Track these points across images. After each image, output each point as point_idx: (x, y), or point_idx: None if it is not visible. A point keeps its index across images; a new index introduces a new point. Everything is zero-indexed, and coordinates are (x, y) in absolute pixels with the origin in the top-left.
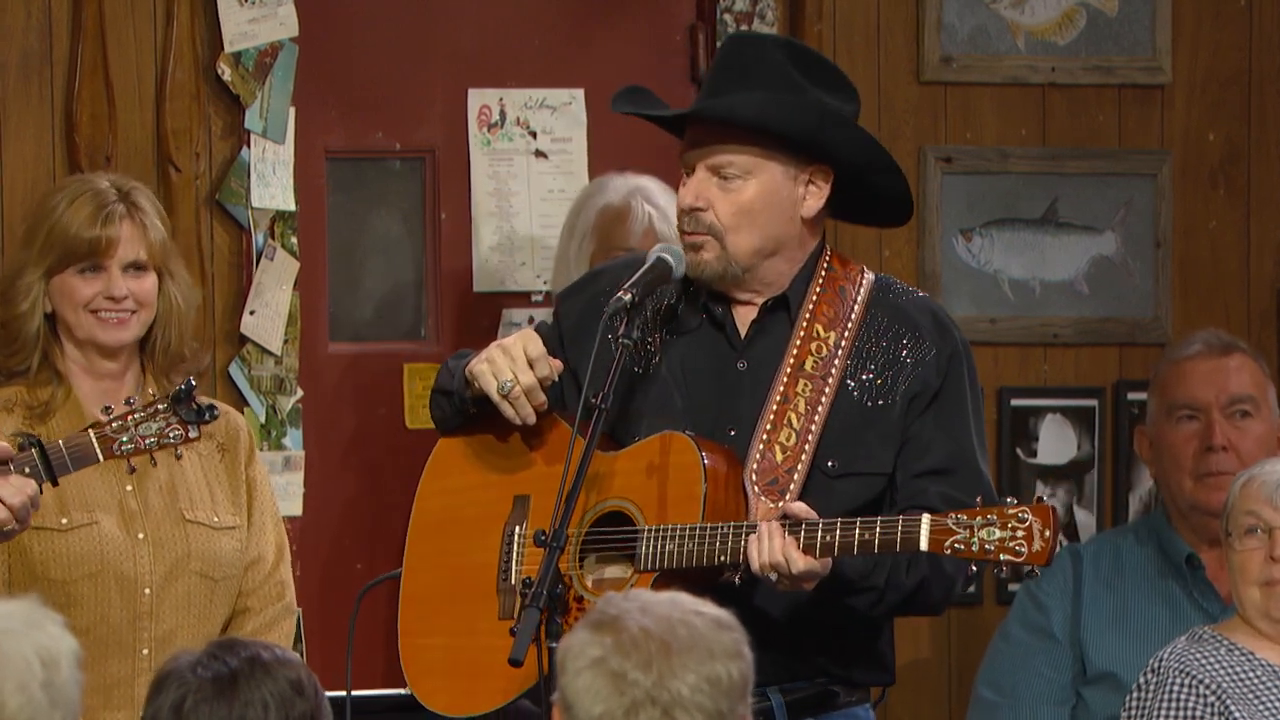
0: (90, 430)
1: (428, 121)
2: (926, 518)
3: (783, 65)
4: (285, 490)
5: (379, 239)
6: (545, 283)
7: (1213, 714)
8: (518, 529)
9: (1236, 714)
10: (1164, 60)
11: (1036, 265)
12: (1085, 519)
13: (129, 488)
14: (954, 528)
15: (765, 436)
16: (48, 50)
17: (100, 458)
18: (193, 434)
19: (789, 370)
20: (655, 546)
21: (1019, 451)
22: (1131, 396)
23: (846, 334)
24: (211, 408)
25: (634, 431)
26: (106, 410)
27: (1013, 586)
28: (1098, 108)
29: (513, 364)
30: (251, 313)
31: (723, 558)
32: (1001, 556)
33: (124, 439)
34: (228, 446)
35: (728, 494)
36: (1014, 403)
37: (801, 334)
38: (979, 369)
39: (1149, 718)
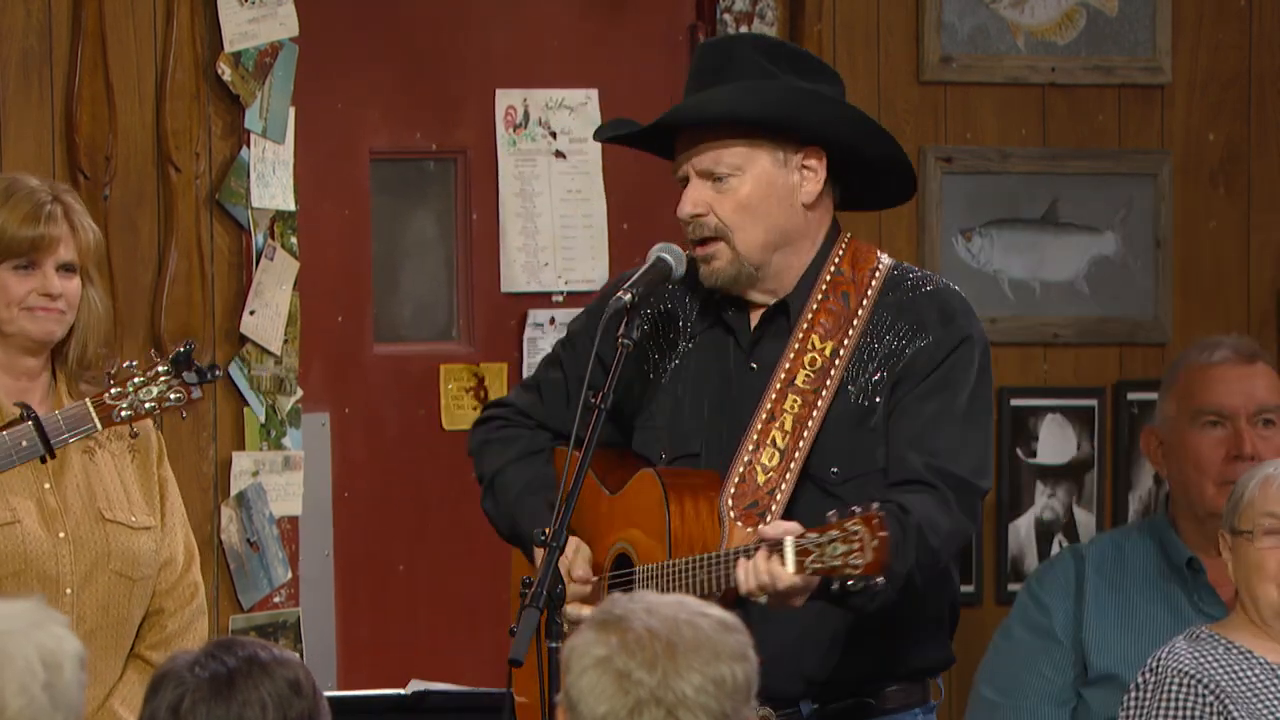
0: (87, 399)
1: (461, 122)
2: (790, 540)
3: (752, 58)
4: (285, 490)
5: (416, 240)
6: (566, 283)
7: (1211, 713)
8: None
9: (1235, 713)
10: (1164, 60)
11: (1036, 265)
12: (1085, 519)
13: (47, 485)
14: (810, 547)
15: (747, 459)
16: (48, 50)
17: (99, 426)
18: (195, 394)
19: (778, 386)
20: (646, 588)
21: (1019, 451)
22: (1131, 396)
23: (847, 341)
24: (214, 367)
25: (649, 441)
26: (106, 378)
27: (1013, 586)
28: (1098, 108)
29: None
30: (251, 313)
31: (714, 588)
32: (846, 571)
33: (123, 405)
34: (138, 447)
35: (699, 525)
36: (1014, 403)
37: (796, 347)
38: None
39: (1147, 718)
